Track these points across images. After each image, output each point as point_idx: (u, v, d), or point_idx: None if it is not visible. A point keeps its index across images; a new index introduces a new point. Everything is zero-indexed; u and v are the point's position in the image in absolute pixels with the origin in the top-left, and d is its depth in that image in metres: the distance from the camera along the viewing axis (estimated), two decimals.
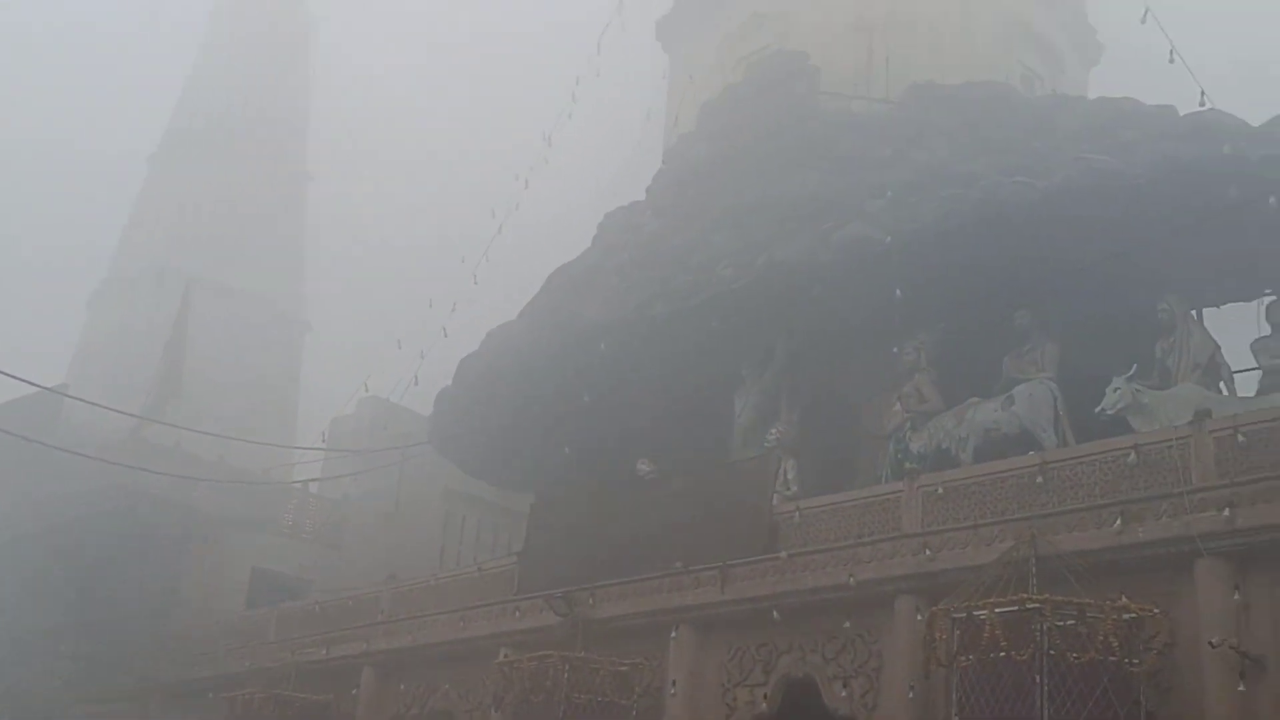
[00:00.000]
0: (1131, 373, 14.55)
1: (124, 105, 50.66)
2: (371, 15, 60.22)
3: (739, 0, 24.83)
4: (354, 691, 19.70)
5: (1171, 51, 17.24)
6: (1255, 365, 15.46)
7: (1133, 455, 12.51)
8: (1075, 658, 10.94)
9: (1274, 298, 15.83)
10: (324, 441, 27.80)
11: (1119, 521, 12.15)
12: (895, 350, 17.13)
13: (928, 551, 13.55)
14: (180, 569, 24.31)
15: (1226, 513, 11.42)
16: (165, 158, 34.82)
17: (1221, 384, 15.26)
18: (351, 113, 51.83)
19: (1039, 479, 13.10)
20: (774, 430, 17.92)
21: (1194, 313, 15.92)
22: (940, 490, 13.98)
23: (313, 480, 26.99)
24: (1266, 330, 15.57)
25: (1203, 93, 16.20)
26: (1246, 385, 15.69)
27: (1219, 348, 15.35)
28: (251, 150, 34.04)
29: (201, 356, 28.61)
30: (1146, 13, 17.97)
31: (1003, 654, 11.15)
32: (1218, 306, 17.27)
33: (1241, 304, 17.22)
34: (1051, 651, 10.98)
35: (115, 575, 23.69)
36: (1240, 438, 11.84)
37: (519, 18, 56.11)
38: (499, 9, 57.64)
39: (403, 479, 27.37)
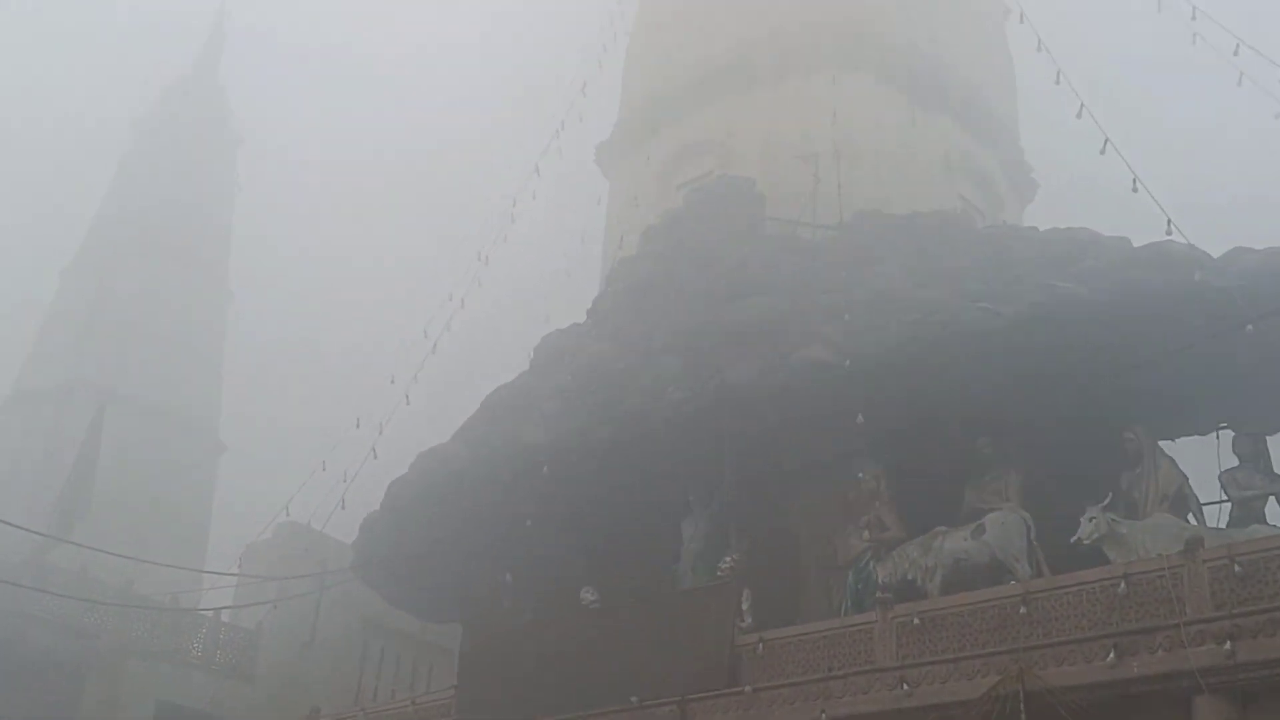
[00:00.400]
0: (1106, 502, 14.22)
1: (36, 215, 49.53)
2: (300, 128, 59.86)
3: (679, 127, 24.81)
4: None
5: (1135, 180, 17.32)
6: (1223, 498, 15.23)
7: (1123, 585, 12.11)
8: None
9: (1237, 431, 15.72)
10: (239, 568, 26.53)
11: (1111, 655, 11.69)
12: (859, 475, 16.65)
13: (905, 686, 12.96)
14: (77, 702, 22.74)
15: (1227, 646, 11.01)
16: (79, 269, 33.65)
17: (1190, 516, 15.00)
18: (275, 229, 51.09)
19: (1022, 609, 12.64)
20: (728, 559, 17.27)
21: (1160, 443, 15.68)
22: (916, 621, 13.44)
23: (225, 608, 25.62)
24: (1231, 462, 15.42)
25: (1169, 221, 16.20)
26: (1213, 518, 15.44)
27: (1187, 479, 15.11)
28: (171, 264, 33.03)
29: (111, 475, 27.35)
30: (1106, 143, 18.12)
31: None
32: (1173, 440, 17.14)
33: (1198, 437, 17.17)
34: None
35: (2, 709, 22.09)
36: (1236, 568, 11.47)
37: (453, 135, 56.17)
38: (434, 128, 57.68)
39: (321, 608, 26.14)
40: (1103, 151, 18.07)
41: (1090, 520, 13.98)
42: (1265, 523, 14.66)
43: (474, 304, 26.01)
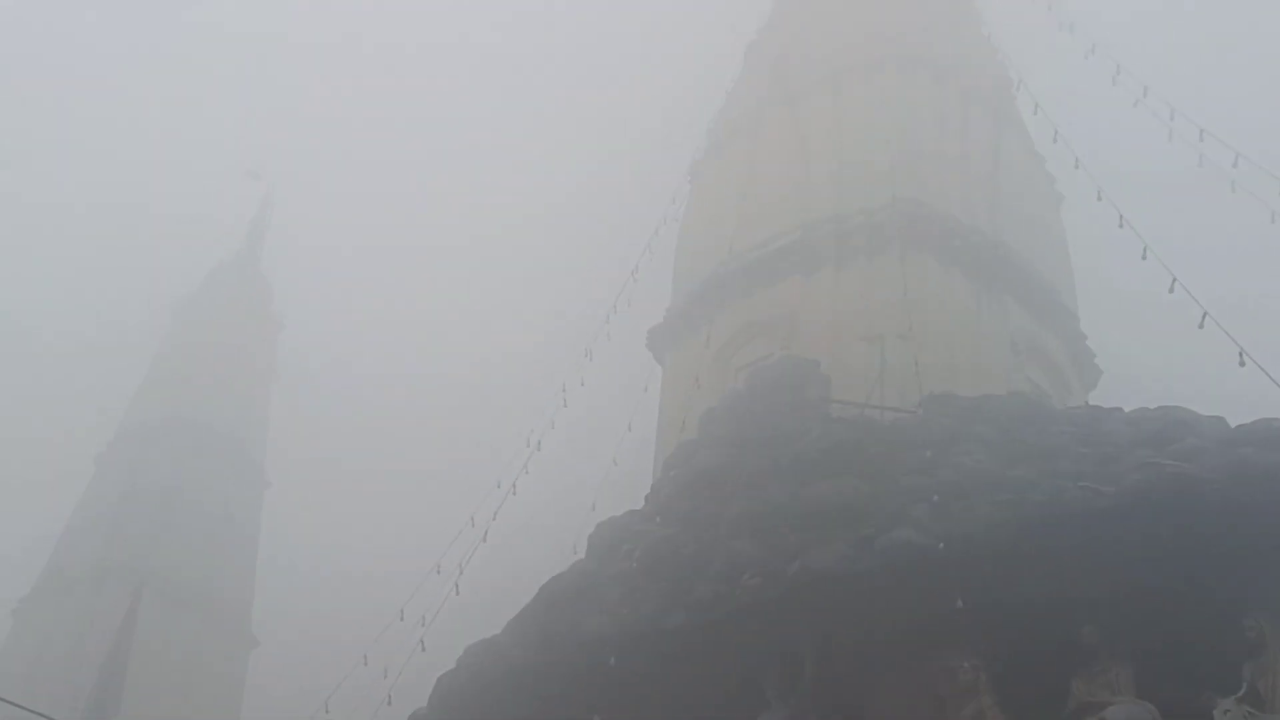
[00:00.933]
0: (1242, 693, 13.16)
1: (73, 399, 49.18)
2: (342, 313, 59.93)
3: (737, 309, 24.42)
4: None
5: (1241, 354, 16.73)
6: None
7: None
8: None
9: None
10: None
11: None
12: (959, 666, 15.59)
13: None
14: None
15: None
16: (114, 454, 32.98)
17: None
18: (314, 415, 50.60)
19: None
20: None
21: None
22: None
23: None
24: None
25: (1241, 352, 15.62)
26: None
27: None
28: (207, 451, 32.38)
29: (140, 667, 26.26)
30: (1205, 316, 17.62)
31: None
32: None
33: None
34: None
35: None
36: None
37: (500, 322, 56.35)
38: (477, 313, 57.86)
39: None
40: (1201, 326, 17.56)
41: (1225, 713, 12.91)
42: None
43: (524, 491, 25.28)
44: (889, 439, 19.34)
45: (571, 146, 70.25)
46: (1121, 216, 21.58)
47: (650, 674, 18.05)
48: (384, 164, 74.20)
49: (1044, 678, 15.40)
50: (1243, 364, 17.02)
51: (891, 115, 24.75)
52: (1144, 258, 20.87)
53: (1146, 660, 14.98)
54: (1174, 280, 19.83)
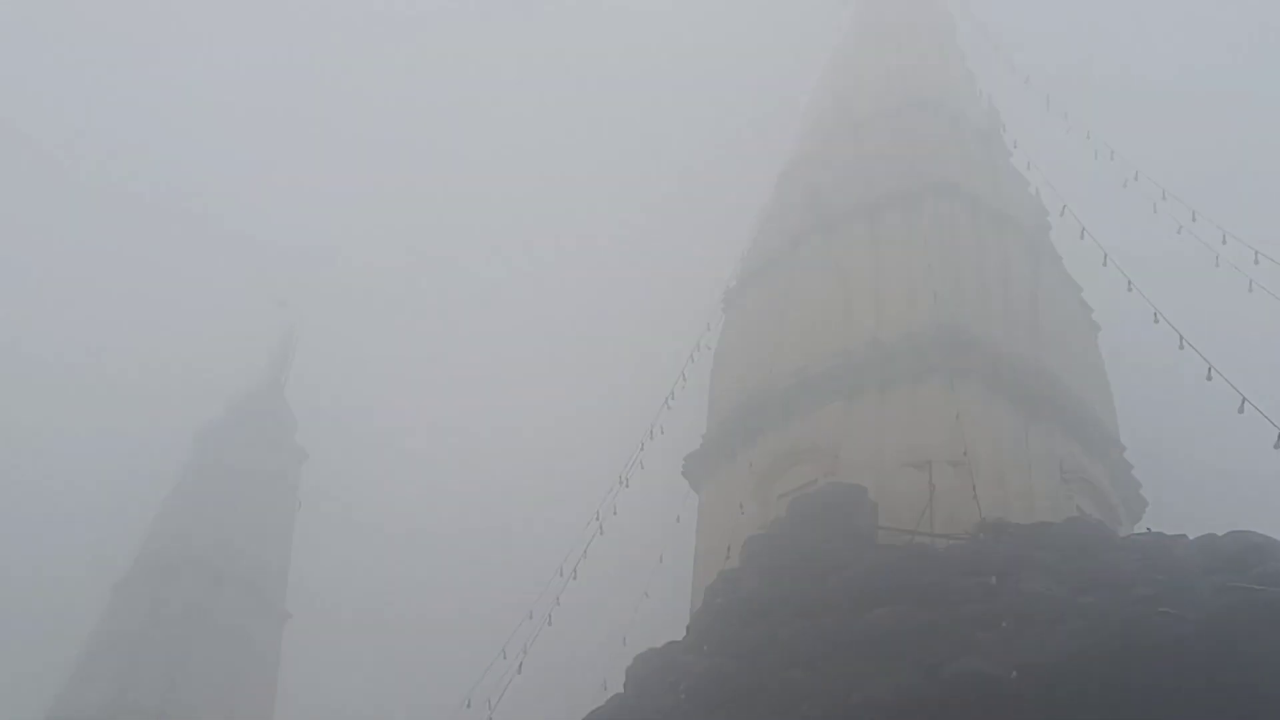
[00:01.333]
0: None
1: (92, 532, 48.26)
2: (367, 446, 59.23)
3: (776, 435, 23.98)
4: None
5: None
6: None
7: None
8: None
9: None
10: None
11: None
12: None
13: None
14: None
15: None
16: (132, 586, 31.98)
17: None
18: (339, 549, 49.70)
19: None
20: None
21: None
22: None
23: None
24: None
25: None
26: None
27: None
28: (227, 582, 31.45)
29: None
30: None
31: None
32: None
33: None
34: None
35: None
36: None
37: (533, 451, 55.80)
38: (507, 444, 57.34)
39: None
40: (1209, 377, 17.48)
41: None
42: None
43: (557, 622, 24.62)
44: (944, 565, 18.76)
45: (602, 272, 70.32)
46: (1157, 312, 21.73)
47: None
48: (409, 293, 73.61)
49: None
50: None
51: (930, 243, 24.63)
52: (1181, 347, 21.05)
53: None
54: (1210, 369, 19.84)
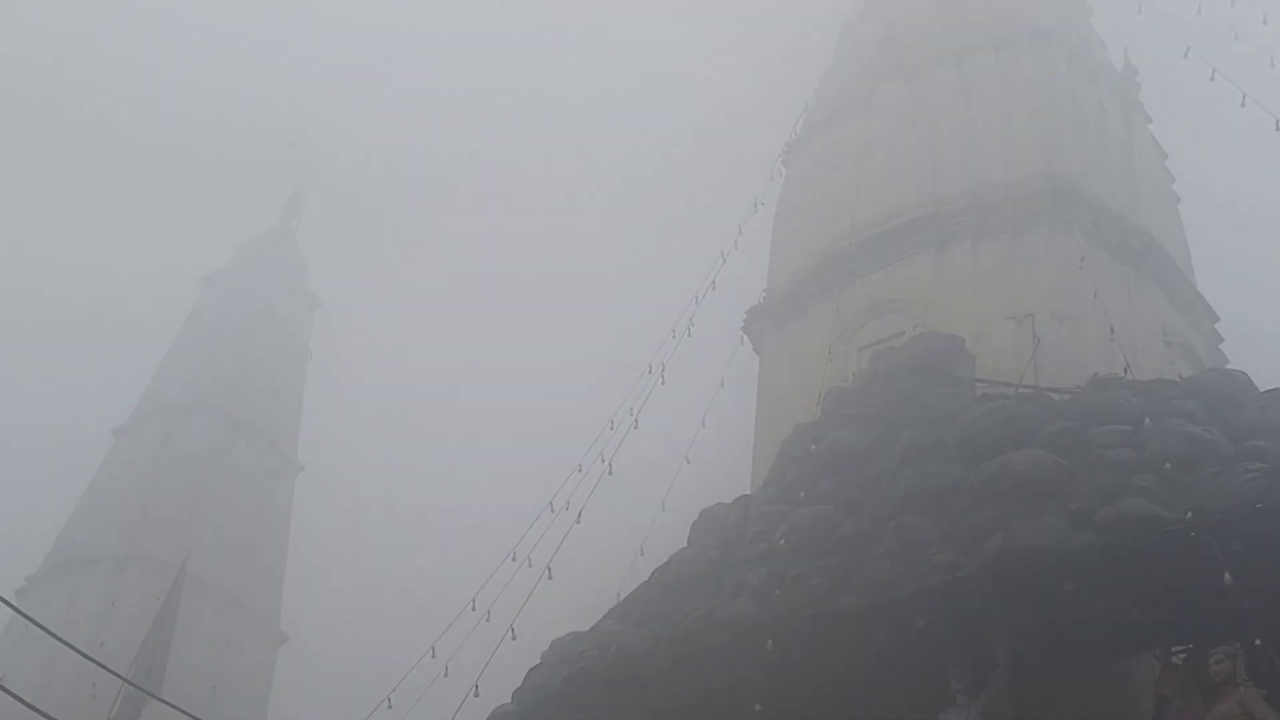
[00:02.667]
0: None
1: (94, 378, 45.92)
2: (380, 294, 56.24)
3: (859, 288, 22.42)
4: None
5: None
6: None
7: None
8: None
9: None
10: None
11: None
12: (1215, 655, 13.45)
13: None
14: None
15: None
16: (134, 432, 29.95)
17: None
18: (350, 400, 47.67)
19: None
20: None
21: None
22: None
23: None
24: None
25: None
26: None
27: None
28: (235, 432, 29.49)
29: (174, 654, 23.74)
30: None
31: None
32: None
33: None
34: None
35: None
36: None
37: (566, 300, 53.33)
38: (535, 296, 54.65)
39: None
40: None
41: None
42: None
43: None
44: (1074, 414, 17.31)
45: (648, 134, 66.64)
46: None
47: (812, 661, 15.80)
48: (436, 135, 69.14)
49: None
50: None
51: (1026, 90, 23.01)
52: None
53: None
54: None
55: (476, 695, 19.49)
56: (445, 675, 21.65)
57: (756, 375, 24.37)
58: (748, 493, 22.16)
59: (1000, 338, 20.21)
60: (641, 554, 23.18)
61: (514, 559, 22.05)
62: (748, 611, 16.61)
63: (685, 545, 20.86)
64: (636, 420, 23.92)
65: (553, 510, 22.52)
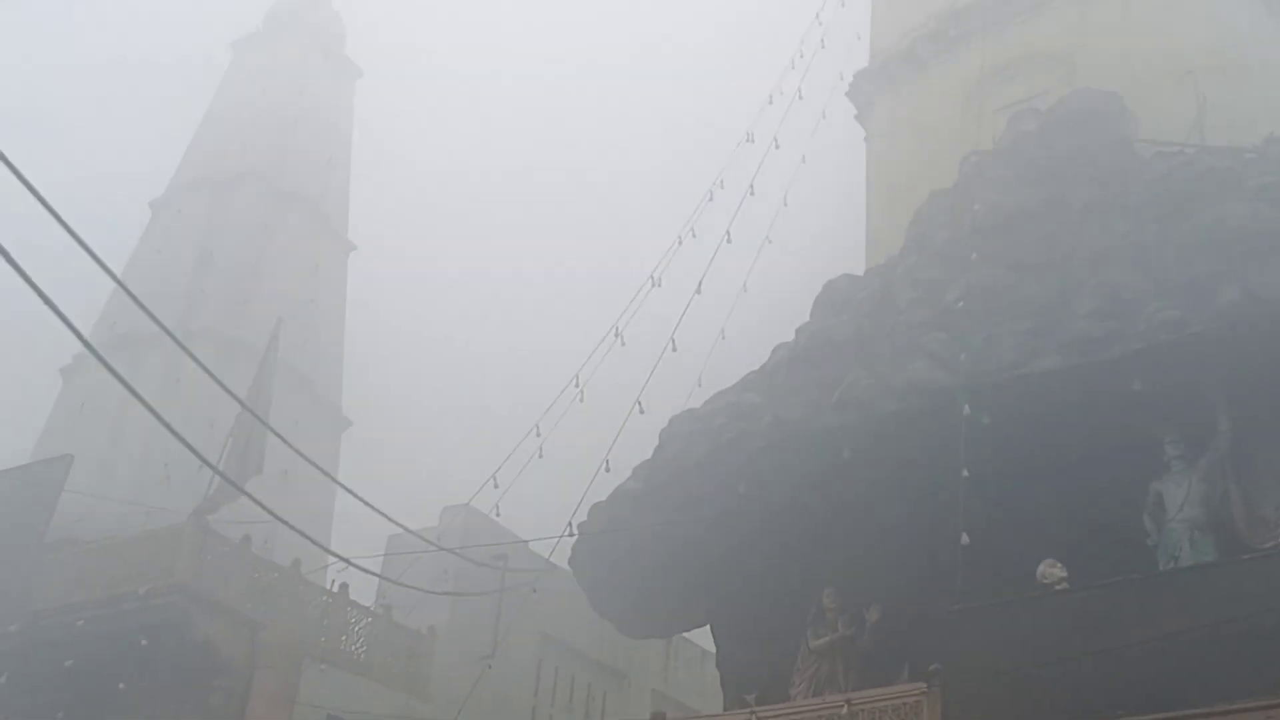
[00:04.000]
0: None
1: (128, 145, 43.11)
2: (429, 75, 52.10)
3: (991, 44, 20.73)
4: None
5: None
6: None
7: None
8: None
9: None
10: (384, 556, 21.65)
11: None
12: None
13: None
14: (243, 706, 17.51)
15: None
16: (175, 203, 27.65)
17: None
18: (398, 180, 45.29)
19: None
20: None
21: None
22: None
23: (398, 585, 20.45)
24: None
25: None
26: None
27: None
28: (285, 207, 27.32)
29: None
30: None
31: None
32: None
33: None
34: None
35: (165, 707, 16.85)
36: None
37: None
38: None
39: (502, 616, 21.24)
40: None
41: None
42: None
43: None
44: (1272, 170, 16.02)
45: None
46: None
47: (1008, 425, 14.65)
48: None
49: None
50: None
51: None
52: None
53: None
54: None
55: (608, 470, 18.31)
56: (540, 457, 20.56)
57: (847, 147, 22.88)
58: (852, 269, 21.01)
59: (1159, 96, 18.73)
60: (723, 337, 21.85)
61: (616, 333, 20.69)
62: (930, 375, 15.45)
63: (807, 319, 19.74)
64: (712, 195, 22.22)
65: (654, 283, 21.10)
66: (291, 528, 14.22)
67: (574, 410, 20.94)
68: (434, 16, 57.52)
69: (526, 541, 22.18)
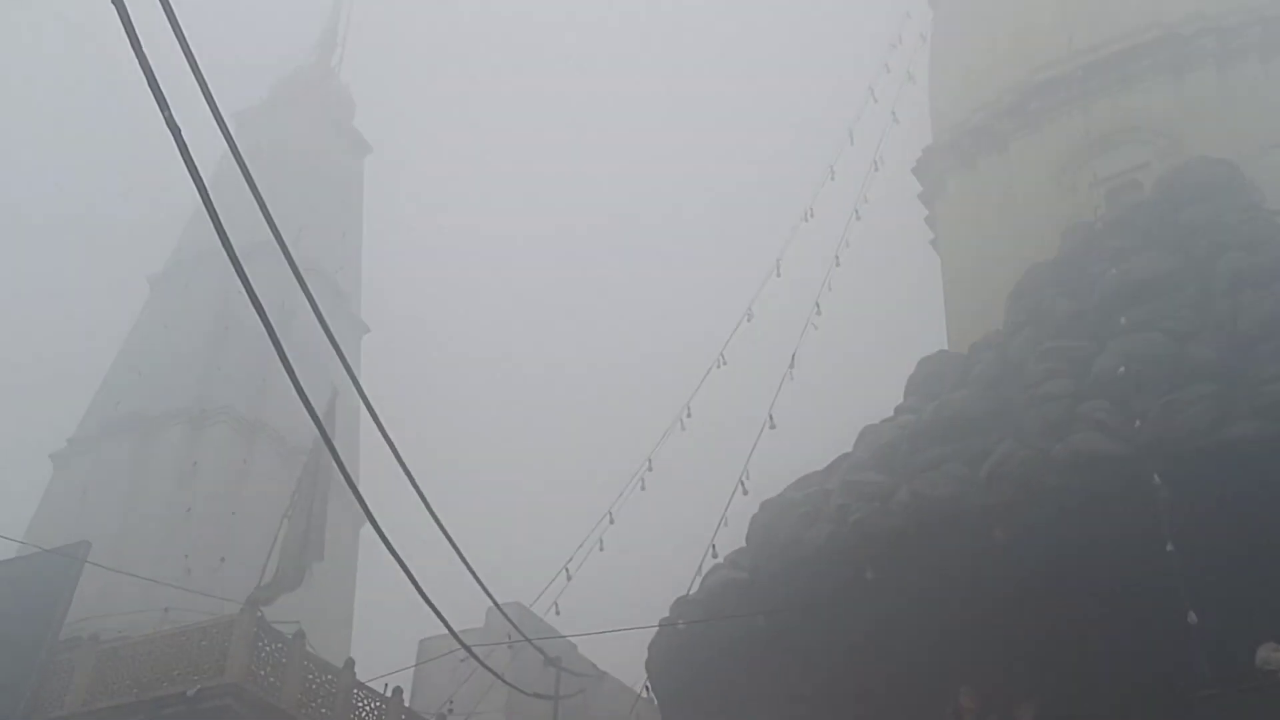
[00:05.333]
0: None
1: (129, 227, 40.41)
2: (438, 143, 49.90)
3: (1077, 119, 19.91)
4: None
5: None
6: None
7: None
8: None
9: None
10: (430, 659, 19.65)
11: None
12: None
13: None
14: None
15: None
16: (175, 276, 25.03)
17: None
18: (411, 262, 43.12)
19: None
20: None
21: None
22: None
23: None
24: None
25: None
26: None
27: None
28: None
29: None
30: None
31: None
32: None
33: None
34: None
35: None
36: None
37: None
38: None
39: None
40: None
41: None
42: None
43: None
44: None
45: None
46: None
47: (1203, 493, 13.33)
48: None
49: None
50: None
51: None
52: None
53: None
54: None
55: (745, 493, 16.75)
56: (601, 549, 18.94)
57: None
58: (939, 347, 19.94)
59: (1265, 167, 18.08)
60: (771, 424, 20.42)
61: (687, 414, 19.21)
62: (1100, 445, 14.16)
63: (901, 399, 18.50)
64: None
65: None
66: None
67: (634, 499, 19.45)
68: (441, 97, 55.47)
69: (571, 641, 20.41)
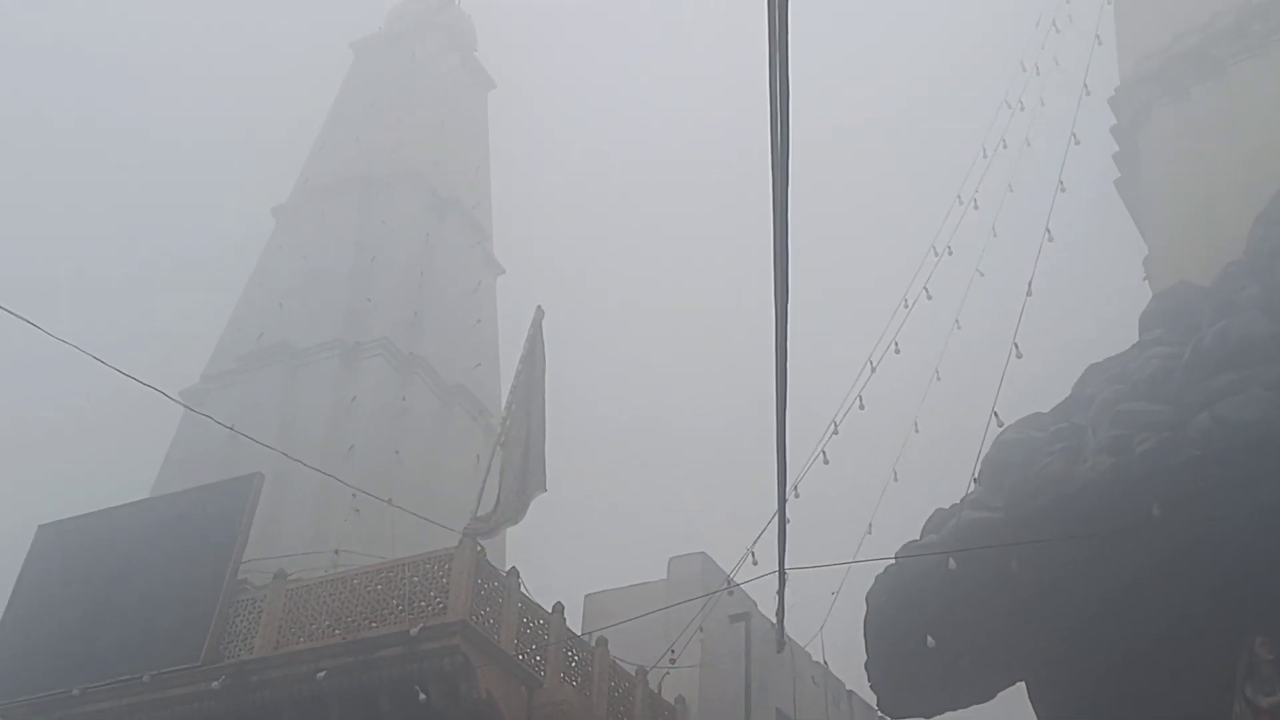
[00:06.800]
0: None
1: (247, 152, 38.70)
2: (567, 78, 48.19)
3: None
4: None
5: None
6: None
7: None
8: None
9: None
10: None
11: None
12: None
13: None
14: None
15: None
16: (302, 206, 23.39)
17: None
18: (539, 193, 41.13)
19: None
20: None
21: None
22: None
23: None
24: None
25: None
26: None
27: None
28: (441, 209, 23.36)
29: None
30: None
31: None
32: None
33: None
34: None
35: None
36: None
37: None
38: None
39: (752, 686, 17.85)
40: None
41: None
42: None
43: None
44: None
45: None
46: None
47: None
48: None
49: None
50: None
51: None
52: None
53: None
54: None
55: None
56: (796, 495, 17.36)
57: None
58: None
59: None
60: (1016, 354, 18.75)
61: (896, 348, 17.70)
62: None
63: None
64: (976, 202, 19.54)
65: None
66: None
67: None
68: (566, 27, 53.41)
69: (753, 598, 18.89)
